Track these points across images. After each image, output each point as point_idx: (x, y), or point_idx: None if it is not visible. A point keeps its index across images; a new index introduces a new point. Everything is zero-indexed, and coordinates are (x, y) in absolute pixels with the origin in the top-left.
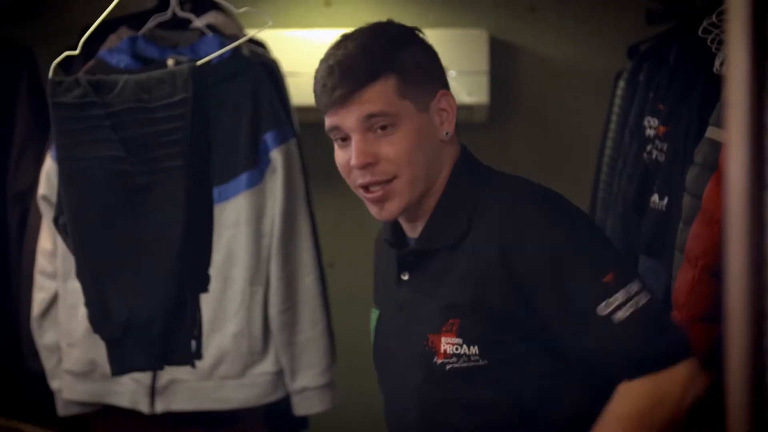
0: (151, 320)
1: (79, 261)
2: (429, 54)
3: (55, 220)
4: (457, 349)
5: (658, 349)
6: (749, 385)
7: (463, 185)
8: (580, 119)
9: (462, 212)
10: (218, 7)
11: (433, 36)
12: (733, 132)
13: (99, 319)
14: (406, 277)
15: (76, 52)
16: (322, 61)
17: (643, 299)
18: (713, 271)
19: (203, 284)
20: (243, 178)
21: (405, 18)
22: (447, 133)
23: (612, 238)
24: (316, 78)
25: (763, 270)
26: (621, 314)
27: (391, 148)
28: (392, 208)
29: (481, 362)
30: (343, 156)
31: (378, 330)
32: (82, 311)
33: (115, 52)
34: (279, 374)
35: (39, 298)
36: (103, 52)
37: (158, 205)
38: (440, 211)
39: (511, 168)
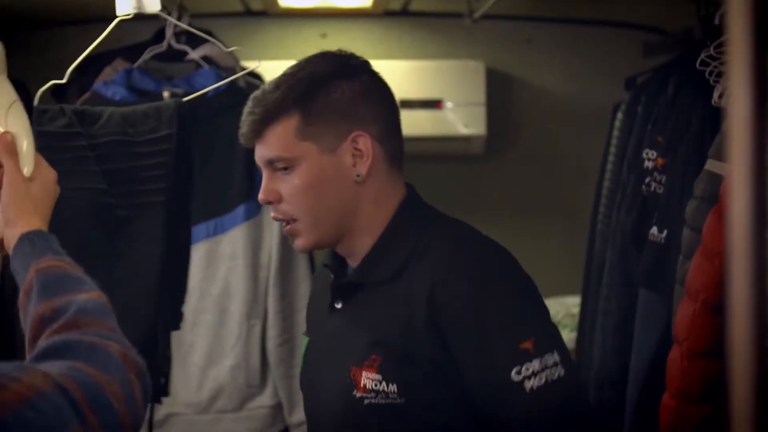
0: None
1: None
2: (355, 93)
3: None
4: (376, 385)
5: (561, 426)
6: (754, 422)
7: (405, 226)
8: (578, 151)
9: (400, 251)
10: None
11: (430, 67)
12: (736, 168)
13: None
14: (339, 306)
15: (63, 81)
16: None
17: (557, 372)
18: (714, 306)
19: (176, 322)
20: (240, 210)
21: (401, 49)
22: (359, 176)
23: (611, 271)
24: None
25: (766, 307)
26: (533, 383)
27: (288, 189)
28: (299, 243)
29: (398, 400)
30: None
31: (306, 357)
32: None
33: (110, 84)
34: (277, 407)
35: None
36: (98, 84)
37: (137, 239)
38: (378, 248)
39: (506, 200)
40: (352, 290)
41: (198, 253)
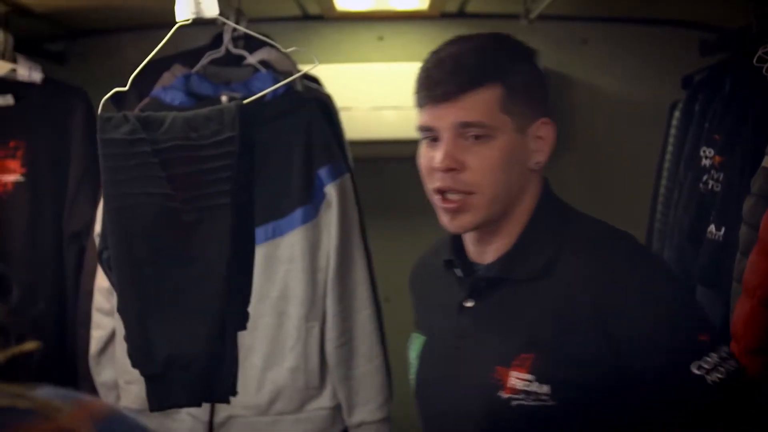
0: (193, 357)
1: (122, 296)
2: (539, 78)
3: (99, 255)
4: (527, 385)
5: (746, 419)
6: None
7: (552, 218)
8: (634, 150)
9: (549, 245)
10: (272, 43)
11: None
12: None
13: (140, 354)
14: (470, 304)
15: (125, 88)
16: (433, 53)
17: (734, 365)
18: None
19: (242, 322)
20: (298, 213)
21: None
22: (537, 163)
23: None
24: (421, 68)
25: None
26: (714, 376)
27: (479, 160)
28: (465, 221)
29: (549, 402)
30: (427, 155)
31: (424, 357)
32: None
33: (169, 89)
34: (336, 409)
35: (96, 336)
36: (157, 90)
37: (204, 243)
38: (526, 241)
39: (569, 200)
40: (489, 287)
41: (256, 256)
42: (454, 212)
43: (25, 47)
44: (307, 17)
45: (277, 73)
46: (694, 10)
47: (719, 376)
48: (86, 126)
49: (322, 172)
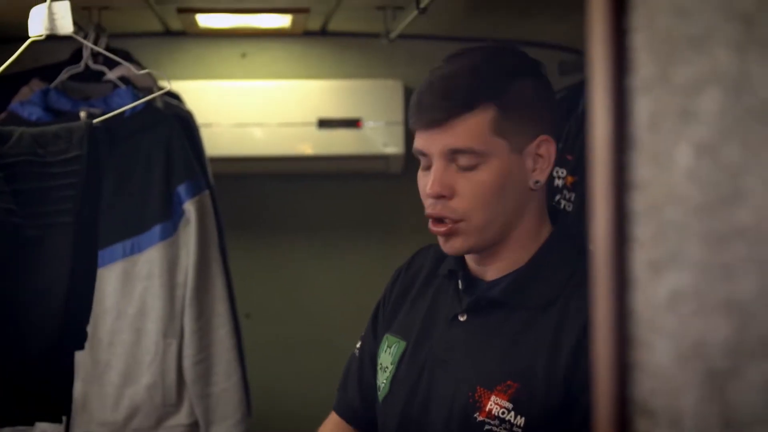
0: (27, 374)
1: None
2: (541, 93)
3: None
4: (503, 413)
5: None
6: None
7: (565, 248)
8: None
9: (557, 277)
10: (132, 60)
11: (349, 87)
12: (597, 186)
13: None
14: (463, 318)
15: None
16: (430, 72)
17: None
18: None
19: (80, 341)
20: (156, 230)
21: (321, 69)
22: (537, 182)
23: None
24: (416, 90)
25: (625, 321)
26: None
27: (470, 186)
28: (456, 245)
29: None
30: (422, 180)
31: (403, 364)
32: None
33: (26, 104)
34: (194, 426)
35: None
36: (14, 104)
37: (45, 260)
38: (533, 270)
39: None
40: (488, 306)
41: (114, 272)
42: (446, 236)
43: None
44: (169, 33)
45: (137, 90)
46: (555, 31)
47: None
48: None
49: (181, 189)
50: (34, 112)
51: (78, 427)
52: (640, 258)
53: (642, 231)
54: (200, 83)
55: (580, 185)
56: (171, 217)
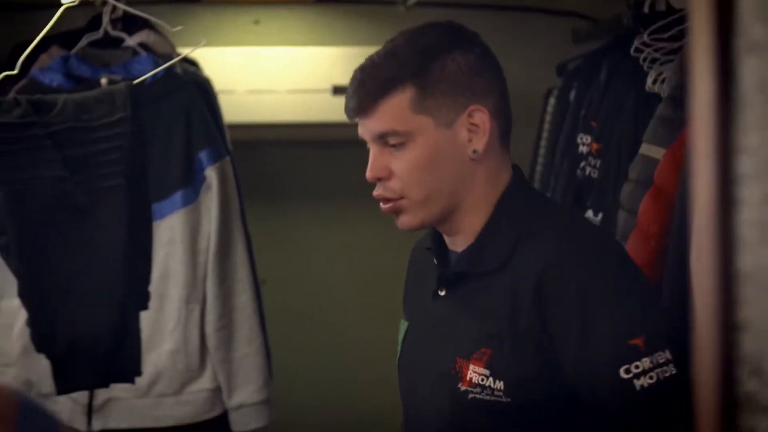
0: (96, 338)
1: (22, 281)
2: (471, 66)
3: None
4: (482, 380)
5: (670, 426)
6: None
7: (513, 210)
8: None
9: (507, 239)
10: (150, 26)
11: (362, 54)
12: (699, 149)
13: (43, 338)
14: (443, 293)
15: (15, 72)
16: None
17: (669, 371)
18: None
19: (143, 302)
20: (178, 196)
21: (334, 36)
22: (475, 151)
23: None
24: None
25: (731, 282)
26: (642, 381)
27: (400, 165)
28: (404, 221)
29: (504, 399)
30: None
31: (406, 343)
32: (18, 330)
33: (47, 71)
34: (216, 391)
35: None
36: (35, 71)
37: (101, 224)
38: (485, 235)
39: None
40: (457, 278)
41: None
42: (395, 214)
43: None
44: (183, 0)
45: (156, 56)
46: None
47: (649, 381)
48: None
49: (203, 155)
50: (55, 79)
51: (102, 392)
52: (748, 220)
53: (750, 193)
54: (215, 50)
55: (605, 151)
56: (192, 183)
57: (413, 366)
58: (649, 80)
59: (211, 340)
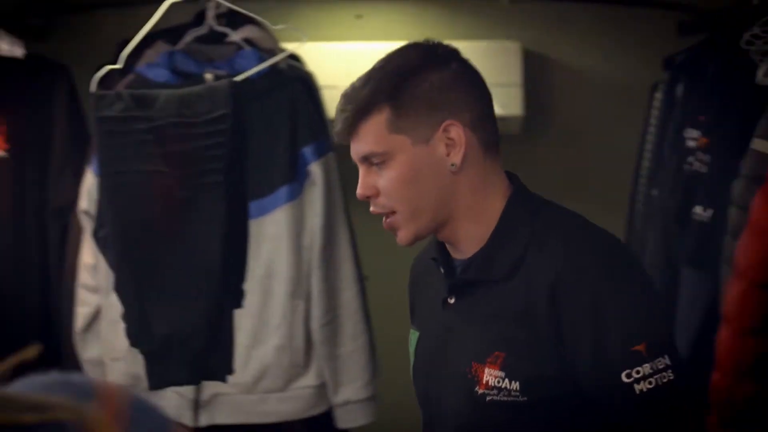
0: (191, 335)
1: (119, 274)
2: (444, 82)
3: (95, 234)
4: (499, 382)
5: (667, 428)
6: None
7: (519, 219)
8: (614, 132)
9: (517, 244)
10: (254, 21)
11: (466, 48)
12: None
13: (137, 333)
14: (452, 301)
15: (119, 66)
16: None
17: (667, 376)
18: (763, 284)
19: (238, 300)
20: (282, 191)
21: (438, 31)
22: (453, 165)
23: (653, 251)
24: None
25: None
26: (642, 386)
27: (384, 182)
28: (402, 236)
29: (521, 398)
30: None
31: (419, 352)
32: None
33: (153, 66)
34: (321, 387)
35: (82, 313)
36: (140, 67)
37: (198, 220)
38: (493, 244)
39: (543, 181)
40: (466, 286)
41: None
42: (391, 229)
43: (5, 22)
44: None
45: (260, 51)
46: None
47: (648, 386)
48: (70, 102)
49: (307, 151)
50: (160, 74)
51: (208, 387)
52: None
53: None
54: (317, 45)
55: (714, 146)
56: (297, 178)
57: (429, 373)
58: (760, 72)
59: (317, 336)
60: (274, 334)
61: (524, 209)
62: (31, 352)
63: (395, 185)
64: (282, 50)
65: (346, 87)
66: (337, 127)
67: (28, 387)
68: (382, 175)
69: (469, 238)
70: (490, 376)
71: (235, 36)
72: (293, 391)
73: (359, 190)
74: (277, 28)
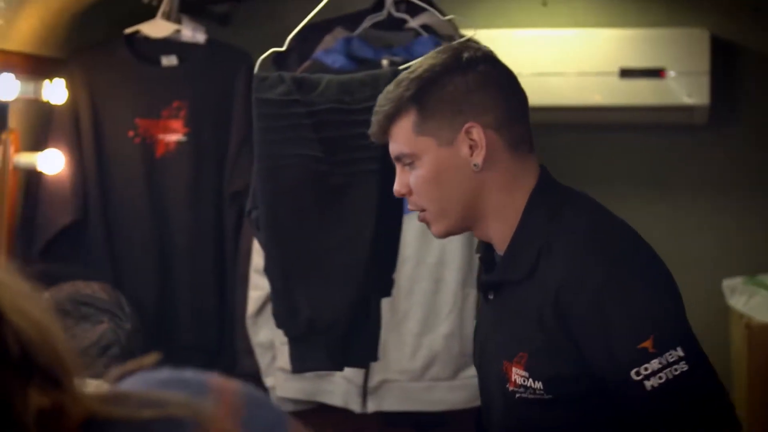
0: (336, 320)
1: (269, 256)
2: (468, 85)
3: (248, 214)
4: (524, 381)
5: (689, 421)
6: None
7: (536, 219)
8: None
9: (532, 247)
10: (434, 8)
11: (652, 35)
12: None
13: (284, 315)
14: (491, 297)
15: (283, 48)
16: None
17: (680, 368)
18: None
19: (387, 289)
20: None
21: (623, 17)
22: (476, 165)
23: None
24: None
25: None
26: (653, 382)
27: (414, 182)
28: (433, 230)
29: (546, 396)
30: None
31: (475, 341)
32: None
33: (330, 52)
34: None
35: (254, 297)
36: (319, 52)
37: (351, 207)
38: (515, 243)
39: (731, 172)
40: (495, 285)
41: (414, 222)
42: (424, 223)
43: (189, 8)
44: None
45: (438, 38)
46: None
47: (659, 381)
48: (248, 88)
49: None
50: (337, 60)
51: (377, 374)
52: None
53: None
54: (500, 32)
55: None
56: None
57: (480, 364)
58: None
59: None
60: (444, 322)
61: (544, 208)
62: (150, 359)
63: (423, 185)
64: (461, 37)
65: (531, 74)
66: (373, 129)
67: (143, 384)
68: (413, 174)
69: (500, 237)
70: (517, 375)
71: (414, 22)
72: (462, 380)
73: (395, 188)
74: (445, 18)
